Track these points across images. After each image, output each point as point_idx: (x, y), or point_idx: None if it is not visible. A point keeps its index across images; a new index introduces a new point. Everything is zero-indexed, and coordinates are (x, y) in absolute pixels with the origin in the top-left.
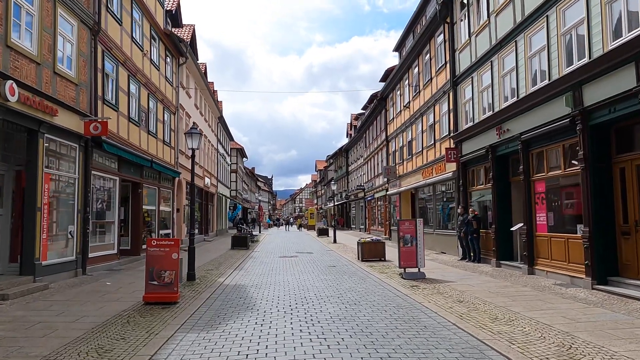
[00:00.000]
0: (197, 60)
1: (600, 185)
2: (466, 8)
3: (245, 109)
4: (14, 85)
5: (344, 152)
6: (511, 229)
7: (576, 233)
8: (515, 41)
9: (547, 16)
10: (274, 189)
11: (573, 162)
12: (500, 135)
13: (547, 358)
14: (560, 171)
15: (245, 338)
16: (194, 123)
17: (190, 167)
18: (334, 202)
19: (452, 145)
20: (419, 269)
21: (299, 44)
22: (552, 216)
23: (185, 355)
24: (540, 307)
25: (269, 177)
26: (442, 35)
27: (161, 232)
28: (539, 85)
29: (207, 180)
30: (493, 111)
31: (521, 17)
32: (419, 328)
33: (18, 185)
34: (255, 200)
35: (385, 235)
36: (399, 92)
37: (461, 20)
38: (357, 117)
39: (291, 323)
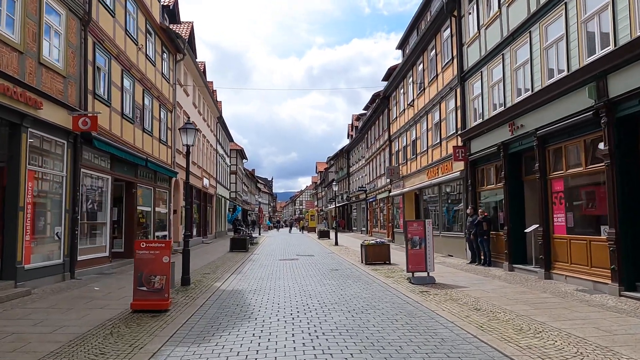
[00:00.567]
0: (196, 58)
1: (627, 183)
2: (475, 0)
3: (245, 110)
4: None
5: (345, 153)
6: (525, 231)
7: (600, 235)
8: (530, 32)
9: (565, 3)
10: (274, 191)
11: (597, 157)
12: (513, 132)
13: None
14: (581, 168)
15: (242, 353)
16: (188, 118)
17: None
18: (335, 204)
19: (460, 144)
20: (428, 273)
21: (299, 45)
22: (572, 217)
23: None
24: (567, 316)
25: (269, 179)
26: (448, 29)
27: (157, 234)
28: (557, 77)
29: (205, 181)
30: (505, 106)
31: (536, 6)
32: (436, 341)
33: None
34: (255, 202)
35: (388, 237)
36: (402, 90)
37: (469, 13)
38: (358, 118)
39: (293, 335)
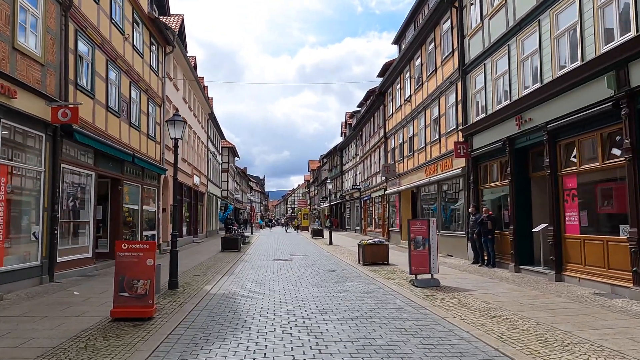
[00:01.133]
0: (186, 52)
1: None
2: None
3: (238, 109)
4: None
5: (338, 151)
6: (533, 230)
7: (619, 235)
8: (539, 20)
9: None
10: (266, 189)
11: (614, 152)
12: (520, 126)
13: None
14: (597, 164)
15: None
16: (176, 110)
17: (178, 164)
18: (329, 202)
19: (461, 139)
20: (432, 275)
21: (291, 44)
22: (586, 215)
23: None
24: (592, 324)
25: (261, 177)
26: (449, 21)
27: (145, 233)
28: (570, 67)
29: (196, 178)
30: (510, 100)
31: None
32: (454, 355)
33: None
34: (247, 200)
35: (383, 236)
36: (399, 86)
37: (471, 3)
38: (352, 115)
39: (292, 349)
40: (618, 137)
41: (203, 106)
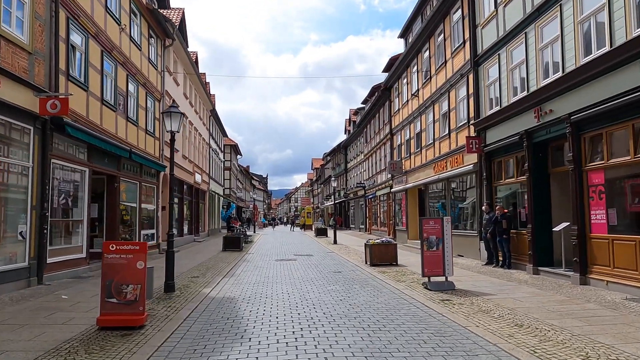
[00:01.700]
0: (187, 47)
1: None
2: None
3: (240, 107)
4: None
5: (342, 148)
6: (553, 230)
7: None
8: (560, 4)
9: None
10: (268, 188)
11: None
12: (540, 118)
13: None
14: (628, 157)
15: None
16: (173, 101)
17: (178, 161)
18: (333, 200)
19: (473, 134)
20: (446, 278)
21: (294, 43)
22: (615, 214)
23: None
24: (635, 336)
25: (264, 175)
26: (459, 11)
27: (144, 232)
28: (596, 53)
29: (198, 176)
30: (528, 91)
31: None
32: None
33: None
34: (250, 199)
35: (389, 235)
36: (405, 81)
37: None
38: (356, 112)
39: None
40: None
41: (205, 103)
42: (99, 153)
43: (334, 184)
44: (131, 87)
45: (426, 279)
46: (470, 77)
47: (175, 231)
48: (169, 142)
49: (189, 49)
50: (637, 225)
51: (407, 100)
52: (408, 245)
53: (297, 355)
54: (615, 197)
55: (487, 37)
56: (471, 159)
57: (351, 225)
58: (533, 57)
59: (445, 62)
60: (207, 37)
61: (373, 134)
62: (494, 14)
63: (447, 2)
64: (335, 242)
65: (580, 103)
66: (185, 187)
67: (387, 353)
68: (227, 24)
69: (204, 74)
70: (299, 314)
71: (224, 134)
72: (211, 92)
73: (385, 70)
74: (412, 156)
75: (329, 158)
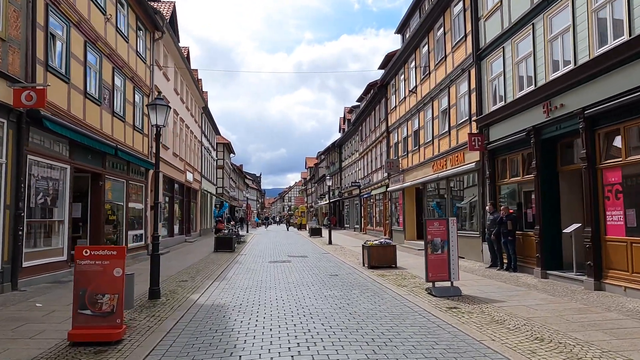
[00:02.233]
0: (179, 42)
1: None
2: None
3: (234, 106)
4: None
5: (336, 147)
6: (564, 231)
7: None
8: None
9: None
10: (262, 187)
11: None
12: (549, 114)
13: None
14: None
15: None
16: (159, 93)
17: (169, 159)
18: (329, 199)
19: (475, 131)
20: (452, 283)
21: (288, 41)
22: (634, 215)
23: None
24: None
25: (258, 175)
26: (460, 3)
27: (131, 232)
28: (613, 43)
29: (189, 175)
30: (536, 85)
31: None
32: None
33: None
34: (243, 198)
35: (385, 235)
36: (402, 77)
37: None
38: (351, 110)
39: None
40: None
41: (197, 99)
42: (81, 149)
43: (329, 183)
44: (117, 81)
45: (430, 284)
46: (472, 71)
47: (165, 231)
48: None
49: (181, 45)
50: None
51: (405, 97)
52: (405, 246)
53: None
54: (634, 196)
55: (491, 29)
56: (473, 156)
57: (345, 225)
58: (541, 49)
59: (445, 56)
60: (201, 35)
61: (369, 132)
62: (498, 5)
63: None
64: (330, 242)
65: (594, 97)
66: (176, 185)
67: None
68: (221, 22)
69: (196, 70)
70: (294, 325)
71: (217, 132)
72: (204, 90)
73: (381, 67)
74: (410, 154)
75: (323, 157)
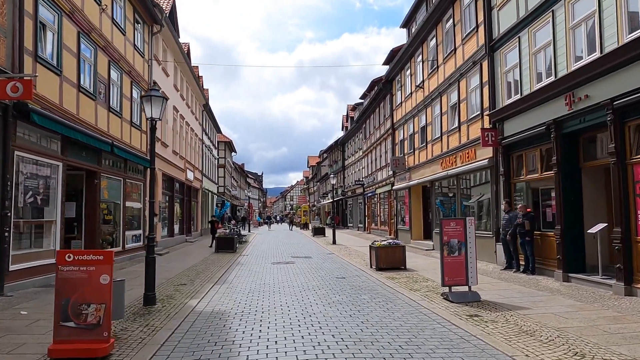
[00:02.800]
0: (179, 37)
1: None
2: None
3: (235, 105)
4: None
5: (339, 145)
6: (588, 232)
7: None
8: None
9: None
10: (264, 186)
11: None
12: (572, 105)
13: None
14: None
15: None
16: (154, 83)
17: (168, 157)
18: (332, 198)
19: (488, 126)
20: (469, 288)
21: (289, 40)
22: None
23: None
24: None
25: (259, 173)
26: None
27: (128, 233)
28: None
29: (190, 173)
30: (556, 76)
31: None
32: None
33: None
34: (245, 197)
35: (390, 235)
36: (409, 72)
37: None
38: (354, 108)
39: None
40: None
41: (197, 97)
42: (75, 145)
43: (333, 182)
44: (114, 75)
45: (446, 289)
46: (485, 64)
47: (165, 231)
48: (159, 137)
49: (181, 41)
50: None
51: (411, 93)
52: (412, 246)
53: None
54: None
55: (505, 19)
56: (486, 153)
57: (349, 224)
58: (562, 37)
59: (455, 49)
60: (201, 35)
61: (373, 130)
62: None
63: None
64: (334, 242)
65: (624, 86)
66: (176, 184)
67: None
68: (222, 22)
69: (197, 67)
70: (302, 336)
71: (218, 130)
72: (204, 87)
73: (385, 63)
74: (417, 152)
75: (325, 155)
